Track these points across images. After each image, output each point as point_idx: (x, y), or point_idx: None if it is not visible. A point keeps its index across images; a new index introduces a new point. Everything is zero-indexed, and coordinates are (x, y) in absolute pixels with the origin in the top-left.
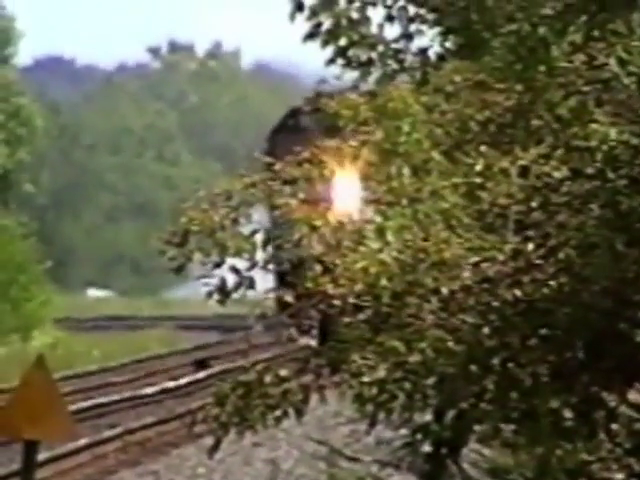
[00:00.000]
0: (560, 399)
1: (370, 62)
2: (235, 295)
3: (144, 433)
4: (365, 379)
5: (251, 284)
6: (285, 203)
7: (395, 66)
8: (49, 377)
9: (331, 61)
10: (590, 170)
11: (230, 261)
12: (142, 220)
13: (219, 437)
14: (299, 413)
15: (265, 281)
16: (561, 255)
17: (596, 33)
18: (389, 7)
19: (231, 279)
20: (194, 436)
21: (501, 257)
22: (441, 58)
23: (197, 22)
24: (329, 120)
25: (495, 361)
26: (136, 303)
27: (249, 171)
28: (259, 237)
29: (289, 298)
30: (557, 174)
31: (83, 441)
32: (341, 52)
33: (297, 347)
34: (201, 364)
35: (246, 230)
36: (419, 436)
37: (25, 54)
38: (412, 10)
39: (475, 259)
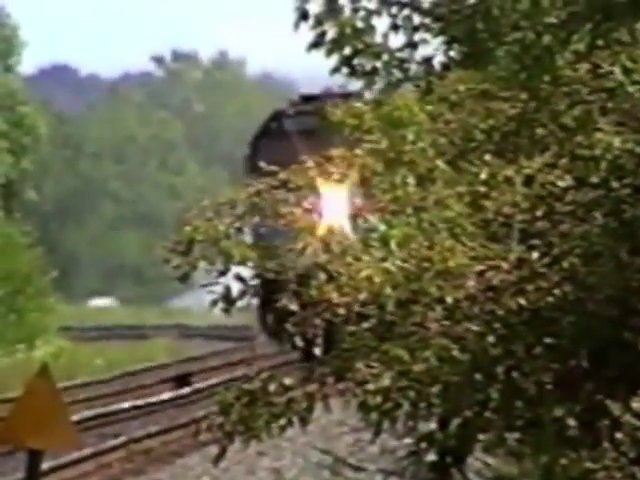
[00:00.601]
0: (564, 408)
1: (375, 71)
2: (240, 304)
3: (149, 442)
4: (369, 387)
5: (256, 293)
6: (290, 212)
7: (399, 75)
8: (53, 386)
9: (336, 70)
10: (594, 179)
11: (235, 269)
12: (146, 229)
13: (224, 446)
14: (304, 422)
15: None
16: (565, 264)
17: (600, 42)
18: (394, 16)
19: (236, 287)
20: (199, 445)
21: (505, 266)
22: (445, 67)
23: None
24: (334, 128)
25: (499, 370)
26: (140, 312)
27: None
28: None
29: (293, 307)
30: (561, 183)
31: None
32: (346, 61)
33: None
34: (182, 380)
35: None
36: (424, 445)
37: (29, 63)
38: (417, 19)
39: (479, 268)
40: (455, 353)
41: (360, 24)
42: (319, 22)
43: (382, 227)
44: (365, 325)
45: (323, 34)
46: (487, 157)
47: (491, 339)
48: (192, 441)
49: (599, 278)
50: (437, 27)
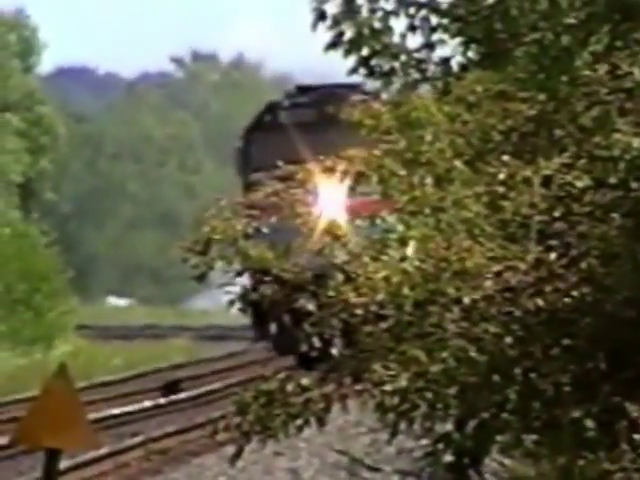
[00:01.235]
0: (582, 409)
1: (392, 72)
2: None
3: (166, 442)
4: (387, 388)
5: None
6: (307, 212)
7: (417, 76)
8: (71, 386)
9: (353, 71)
10: (613, 179)
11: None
12: (164, 229)
13: (241, 446)
14: (321, 422)
15: None
16: (583, 265)
17: (619, 42)
18: (411, 17)
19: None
20: (215, 445)
21: (523, 267)
22: (463, 68)
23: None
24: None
25: (517, 371)
26: (157, 312)
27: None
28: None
29: (311, 307)
30: (580, 184)
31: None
32: (363, 62)
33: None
34: (171, 388)
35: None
36: (441, 446)
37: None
38: (434, 20)
39: (497, 268)
40: (472, 354)
41: (378, 25)
42: (337, 23)
43: (400, 227)
44: (382, 326)
45: (341, 35)
46: (505, 158)
47: (509, 340)
48: (209, 441)
49: (617, 279)
50: (455, 28)
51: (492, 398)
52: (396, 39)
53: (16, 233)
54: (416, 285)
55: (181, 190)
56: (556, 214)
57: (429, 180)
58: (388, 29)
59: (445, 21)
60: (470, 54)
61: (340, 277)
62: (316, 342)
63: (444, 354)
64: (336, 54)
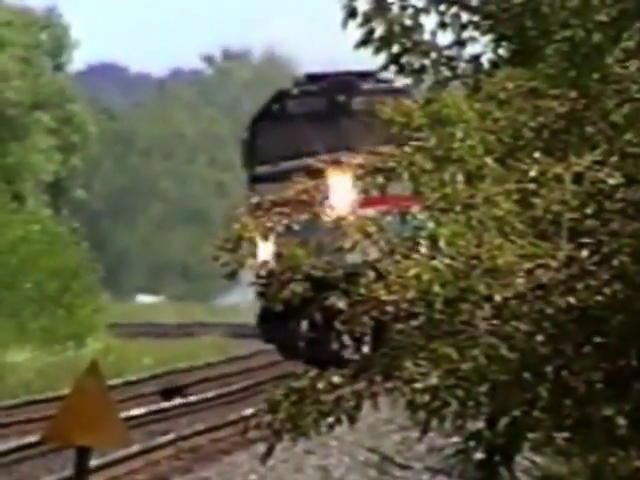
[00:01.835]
0: (614, 407)
1: (423, 69)
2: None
3: (197, 440)
4: (417, 386)
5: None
6: (338, 209)
7: (448, 73)
8: (102, 383)
9: (384, 68)
10: None
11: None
12: (194, 226)
13: (272, 444)
14: (352, 420)
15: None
16: (615, 262)
17: None
18: (442, 14)
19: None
20: (246, 443)
21: (555, 264)
22: (494, 65)
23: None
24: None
25: (548, 368)
26: (187, 309)
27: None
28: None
29: (341, 305)
30: (611, 181)
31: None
32: (394, 59)
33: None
34: (170, 393)
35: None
36: (472, 443)
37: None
38: (465, 17)
39: (528, 266)
40: (504, 352)
41: (408, 22)
42: (367, 20)
43: (431, 225)
44: (413, 323)
45: (371, 32)
46: (536, 155)
47: (540, 338)
48: (240, 439)
49: None
50: (486, 25)
51: (523, 396)
52: (427, 36)
53: (47, 231)
54: (447, 283)
55: (212, 187)
56: (588, 211)
57: (460, 177)
58: (419, 26)
59: (476, 18)
60: (501, 51)
61: (371, 275)
62: (347, 340)
63: (475, 352)
64: (367, 51)
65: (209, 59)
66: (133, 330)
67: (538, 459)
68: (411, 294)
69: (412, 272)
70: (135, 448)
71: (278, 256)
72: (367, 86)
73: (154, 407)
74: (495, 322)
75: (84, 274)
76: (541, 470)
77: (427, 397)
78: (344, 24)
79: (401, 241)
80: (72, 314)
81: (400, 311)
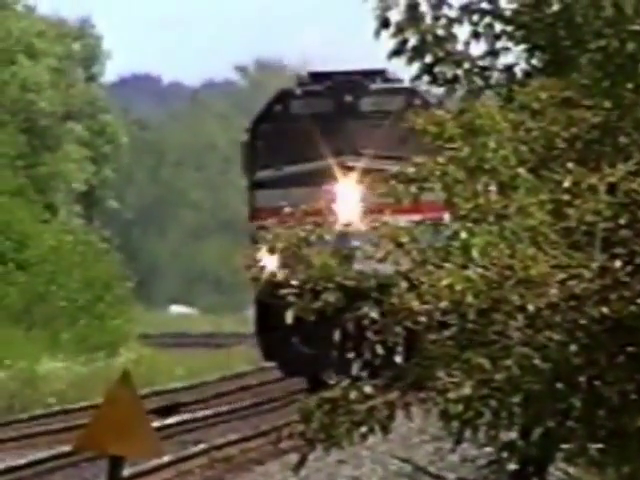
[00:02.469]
0: None
1: (456, 79)
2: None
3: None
4: (450, 396)
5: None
6: (375, 219)
7: (481, 83)
8: (134, 393)
9: (417, 78)
10: None
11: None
12: (226, 237)
13: (305, 454)
14: (384, 430)
15: None
16: None
17: None
18: (475, 24)
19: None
20: (279, 453)
21: (588, 274)
22: (527, 75)
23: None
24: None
25: (582, 379)
26: (219, 320)
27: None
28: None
29: (374, 315)
30: None
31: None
32: (427, 69)
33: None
34: (167, 412)
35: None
36: (505, 454)
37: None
38: (498, 27)
39: (562, 276)
40: (537, 362)
41: (441, 32)
42: (400, 30)
43: (463, 235)
44: (446, 333)
45: (404, 42)
46: (570, 165)
47: (573, 348)
48: (272, 448)
49: None
50: (519, 35)
51: (557, 406)
52: (460, 46)
53: (79, 241)
54: (480, 293)
55: (244, 198)
56: (621, 222)
57: (493, 187)
58: (452, 36)
59: (509, 28)
60: (534, 61)
61: (404, 285)
62: (379, 349)
63: (508, 362)
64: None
65: (242, 69)
66: (165, 341)
67: (571, 470)
68: (444, 304)
69: (445, 282)
70: (167, 458)
71: (284, 266)
72: (376, 86)
73: (187, 416)
74: (528, 332)
75: (116, 284)
76: None
77: (460, 407)
78: (377, 34)
79: (434, 251)
80: (104, 324)
81: (433, 321)
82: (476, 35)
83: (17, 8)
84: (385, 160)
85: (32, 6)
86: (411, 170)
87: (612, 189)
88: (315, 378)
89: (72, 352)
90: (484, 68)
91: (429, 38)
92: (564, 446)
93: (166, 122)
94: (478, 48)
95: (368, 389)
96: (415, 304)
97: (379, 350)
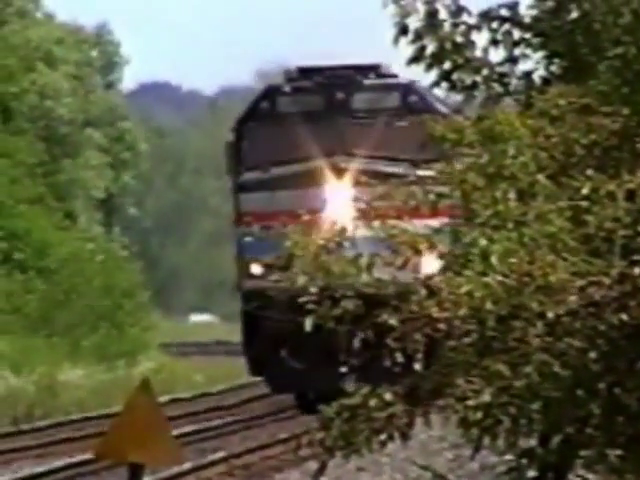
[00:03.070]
0: None
1: (474, 85)
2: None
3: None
4: (470, 403)
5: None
6: (392, 226)
7: (500, 89)
8: (154, 401)
9: (435, 84)
10: None
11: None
12: None
13: (324, 461)
14: (404, 437)
15: None
16: None
17: None
18: (494, 31)
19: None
20: (298, 460)
21: (607, 281)
22: (546, 82)
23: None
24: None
25: (601, 385)
26: (238, 328)
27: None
28: (364, 260)
29: (393, 321)
30: None
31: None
32: (445, 75)
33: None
34: None
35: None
36: (524, 461)
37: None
38: (517, 34)
39: (581, 283)
40: (556, 369)
41: (460, 39)
42: (419, 37)
43: (483, 242)
44: (465, 340)
45: (423, 49)
46: (589, 172)
47: (593, 355)
48: (292, 456)
49: None
50: (538, 41)
51: (576, 413)
52: (478, 53)
53: (99, 249)
54: (499, 300)
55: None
56: None
57: (512, 194)
58: (470, 43)
59: (528, 35)
60: (553, 68)
61: (423, 292)
62: (399, 357)
63: (528, 369)
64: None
65: (264, 75)
66: (185, 349)
67: (591, 477)
68: (463, 311)
69: (464, 289)
70: (187, 465)
71: (267, 274)
72: (369, 81)
73: (206, 424)
74: (548, 339)
75: (136, 292)
76: None
77: (479, 414)
78: (395, 41)
79: (453, 258)
80: (124, 332)
81: (452, 328)
82: (495, 42)
83: (36, 15)
84: (380, 161)
85: (51, 13)
86: (431, 177)
87: (631, 196)
88: (304, 395)
89: (92, 360)
90: (503, 75)
91: (448, 45)
92: (583, 453)
93: (185, 129)
94: (497, 55)
95: (388, 396)
96: (434, 311)
97: (399, 357)
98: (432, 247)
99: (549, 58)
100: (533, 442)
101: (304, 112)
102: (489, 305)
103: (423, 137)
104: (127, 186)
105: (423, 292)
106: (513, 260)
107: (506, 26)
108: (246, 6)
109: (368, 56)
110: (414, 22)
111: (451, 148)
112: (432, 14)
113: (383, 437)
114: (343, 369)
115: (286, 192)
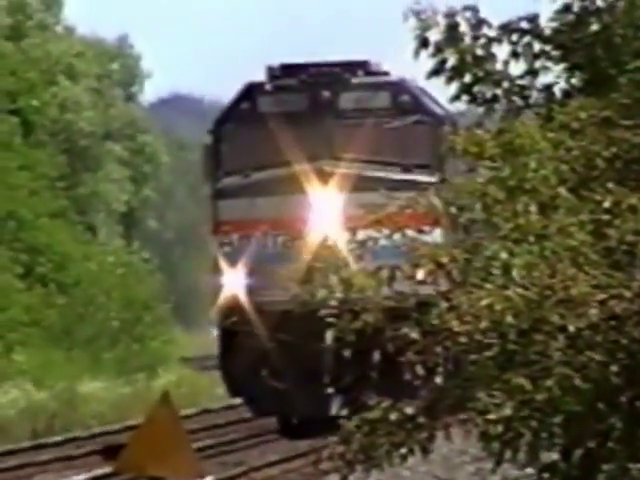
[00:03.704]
0: None
1: (495, 98)
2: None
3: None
4: (491, 417)
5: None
6: (412, 238)
7: (520, 102)
8: (174, 414)
9: (456, 97)
10: None
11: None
12: None
13: (344, 475)
14: (425, 451)
15: None
16: None
17: None
18: (514, 44)
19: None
20: (319, 474)
21: (628, 294)
22: (567, 94)
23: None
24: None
25: (623, 399)
26: None
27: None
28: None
29: (415, 335)
30: None
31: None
32: (466, 88)
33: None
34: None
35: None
36: (546, 475)
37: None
38: (537, 47)
39: (602, 296)
40: (577, 382)
41: (480, 52)
42: (439, 50)
43: (504, 255)
44: (486, 354)
45: (443, 62)
46: (610, 185)
47: (614, 368)
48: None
49: None
50: (558, 54)
51: (597, 427)
52: (499, 66)
53: (120, 262)
54: (520, 313)
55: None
56: None
57: (533, 207)
58: (491, 56)
59: (548, 48)
60: (573, 81)
61: (443, 305)
62: (420, 370)
63: (549, 382)
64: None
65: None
66: (205, 363)
67: None
68: (484, 324)
69: (485, 302)
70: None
71: (249, 289)
72: (357, 80)
73: (225, 438)
74: (569, 352)
75: (156, 305)
76: None
77: (501, 428)
78: (416, 54)
79: (473, 271)
80: (144, 346)
81: (473, 342)
82: (515, 55)
83: (57, 29)
84: (368, 165)
85: (72, 27)
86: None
87: None
88: (287, 418)
89: (112, 373)
90: (523, 87)
91: (468, 58)
92: (605, 467)
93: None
94: (517, 67)
95: (409, 410)
96: (455, 325)
97: (419, 371)
98: (453, 260)
99: (570, 71)
100: (554, 456)
101: (287, 112)
102: (510, 318)
103: (415, 139)
104: (148, 199)
105: (444, 305)
106: (534, 273)
107: (526, 39)
108: (269, 16)
109: (391, 61)
110: (435, 35)
111: (472, 161)
112: (453, 27)
113: (404, 451)
114: (329, 390)
115: (268, 199)
